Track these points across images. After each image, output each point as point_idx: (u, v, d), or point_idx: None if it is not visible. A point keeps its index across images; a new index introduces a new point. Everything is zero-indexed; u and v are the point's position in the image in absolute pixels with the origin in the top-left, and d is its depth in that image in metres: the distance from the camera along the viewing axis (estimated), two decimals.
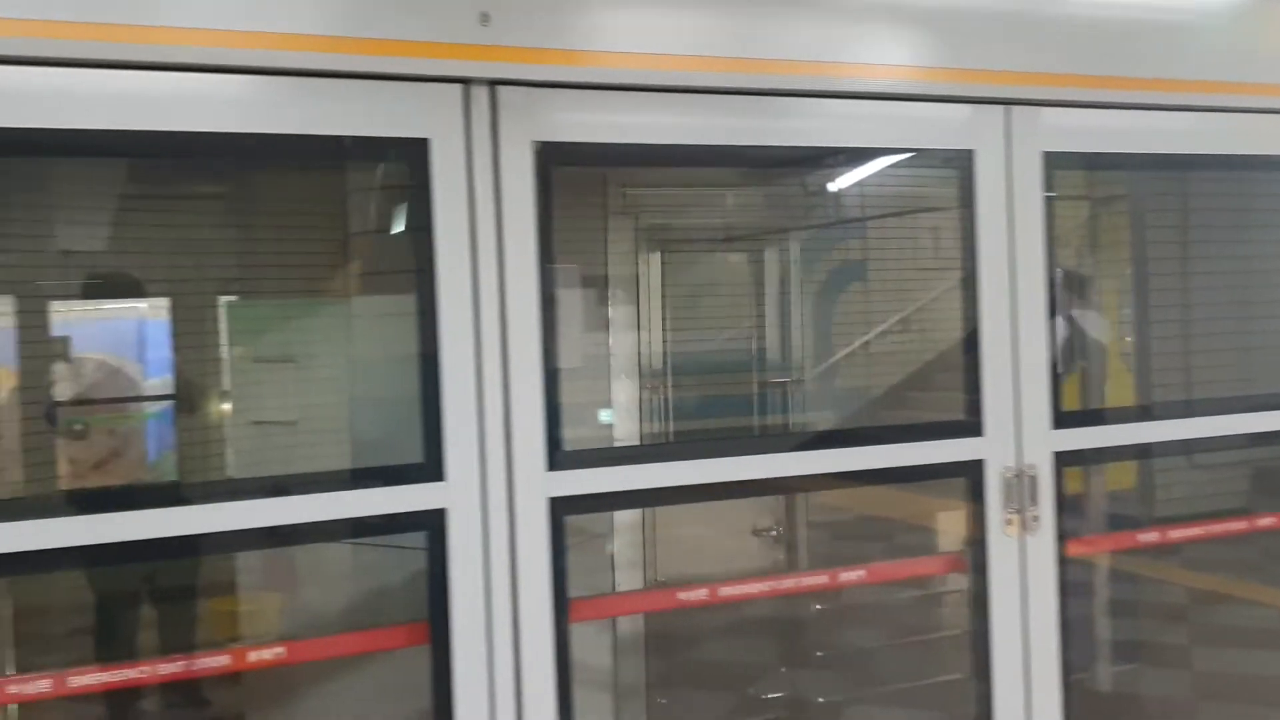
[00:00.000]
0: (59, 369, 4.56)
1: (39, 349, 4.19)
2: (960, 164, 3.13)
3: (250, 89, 2.50)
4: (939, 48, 3.07)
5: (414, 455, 2.66)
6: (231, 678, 3.05)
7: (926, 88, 3.04)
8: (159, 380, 5.38)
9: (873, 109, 3.04)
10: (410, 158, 2.60)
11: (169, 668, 2.54)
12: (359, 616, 3.74)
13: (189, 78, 2.43)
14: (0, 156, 2.76)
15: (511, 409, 2.67)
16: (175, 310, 4.09)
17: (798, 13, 2.91)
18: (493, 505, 2.66)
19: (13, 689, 2.36)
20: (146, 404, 5.18)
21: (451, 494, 2.63)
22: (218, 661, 2.48)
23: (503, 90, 2.65)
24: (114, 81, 2.37)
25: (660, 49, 2.79)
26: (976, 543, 3.11)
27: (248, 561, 3.75)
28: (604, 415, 4.58)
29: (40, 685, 2.32)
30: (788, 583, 3.08)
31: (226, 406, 3.90)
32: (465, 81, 2.62)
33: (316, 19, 2.51)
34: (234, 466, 3.54)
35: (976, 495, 3.12)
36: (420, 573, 2.86)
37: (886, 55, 3.02)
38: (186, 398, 4.47)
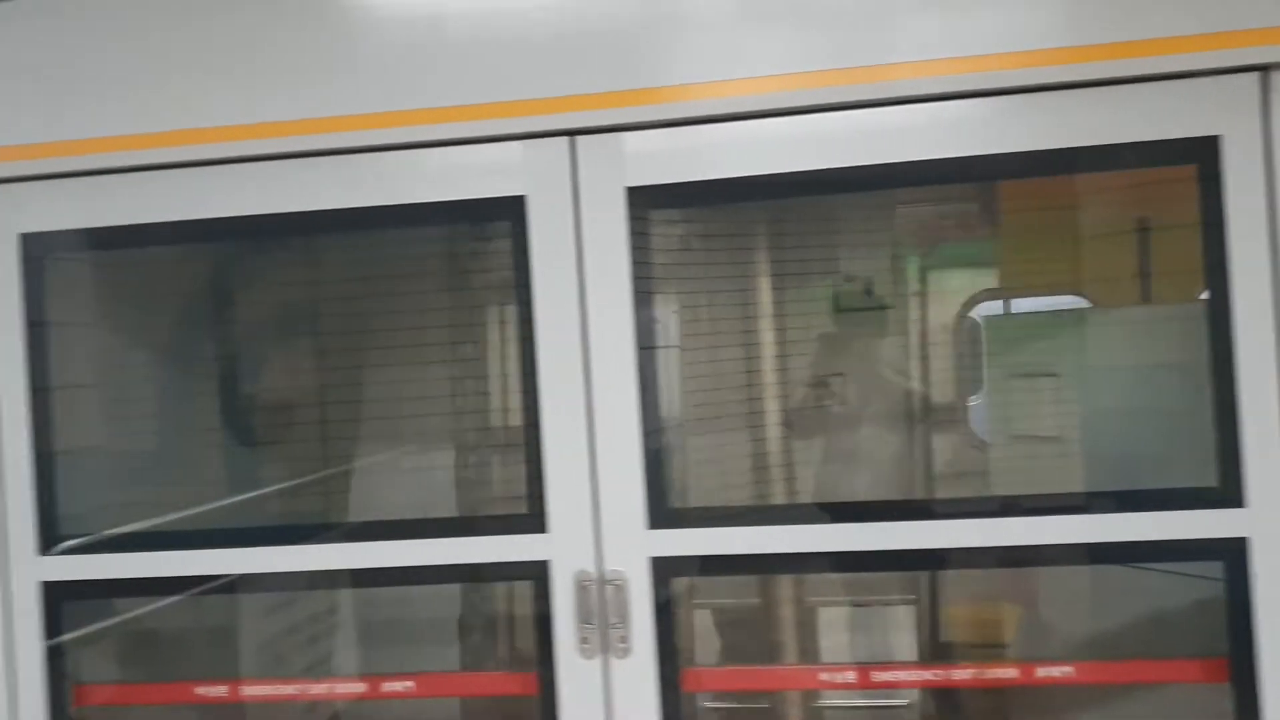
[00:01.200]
0: None
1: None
2: None
3: (1001, 109, 2.50)
4: None
5: (1194, 477, 2.50)
6: None
7: None
8: None
9: None
10: (1198, 155, 2.43)
11: (961, 674, 2.65)
12: (1094, 641, 3.57)
13: (936, 107, 2.52)
14: (787, 198, 3.09)
15: None
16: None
17: None
18: None
19: (825, 676, 2.63)
20: None
21: (1255, 521, 2.40)
22: (1006, 673, 2.53)
23: None
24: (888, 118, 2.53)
25: None
26: None
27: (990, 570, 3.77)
28: None
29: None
30: None
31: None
32: (1264, 69, 2.39)
33: (1094, 29, 2.45)
34: (992, 482, 3.57)
35: None
36: (1174, 604, 2.67)
37: None
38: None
